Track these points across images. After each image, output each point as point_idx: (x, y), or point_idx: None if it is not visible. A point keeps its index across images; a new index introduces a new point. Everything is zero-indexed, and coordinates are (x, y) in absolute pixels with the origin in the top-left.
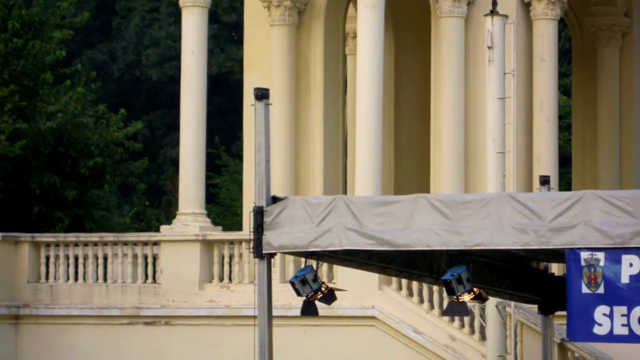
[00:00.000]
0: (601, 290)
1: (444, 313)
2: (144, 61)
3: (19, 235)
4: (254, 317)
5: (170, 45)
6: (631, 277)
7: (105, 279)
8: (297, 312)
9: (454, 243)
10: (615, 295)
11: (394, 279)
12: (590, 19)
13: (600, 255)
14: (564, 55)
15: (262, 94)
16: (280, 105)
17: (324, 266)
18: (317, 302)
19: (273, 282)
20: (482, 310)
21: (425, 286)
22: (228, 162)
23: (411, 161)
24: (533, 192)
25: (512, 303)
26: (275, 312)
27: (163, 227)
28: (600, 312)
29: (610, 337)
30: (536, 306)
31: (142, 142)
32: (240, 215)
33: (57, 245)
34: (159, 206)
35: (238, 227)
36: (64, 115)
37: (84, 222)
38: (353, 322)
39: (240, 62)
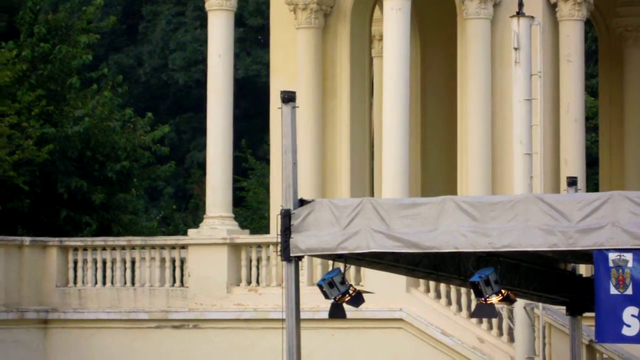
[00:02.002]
0: (629, 291)
1: (472, 315)
2: (170, 65)
3: (47, 240)
4: (282, 320)
5: (196, 48)
6: None
7: (133, 283)
8: (325, 315)
9: (482, 245)
10: None
11: (422, 281)
12: (617, 20)
13: (629, 256)
14: (591, 56)
15: (288, 97)
16: (306, 108)
17: (352, 269)
18: (344, 305)
19: (301, 284)
20: (510, 312)
21: (453, 288)
22: (255, 165)
23: (438, 163)
24: (560, 193)
25: (540, 305)
26: (303, 315)
27: (190, 231)
28: (628, 313)
29: (639, 338)
30: (564, 307)
31: (169, 145)
32: (268, 218)
33: (85, 249)
34: (186, 210)
35: (265, 230)
36: (91, 120)
37: (112, 226)
38: (381, 324)
39: (266, 65)
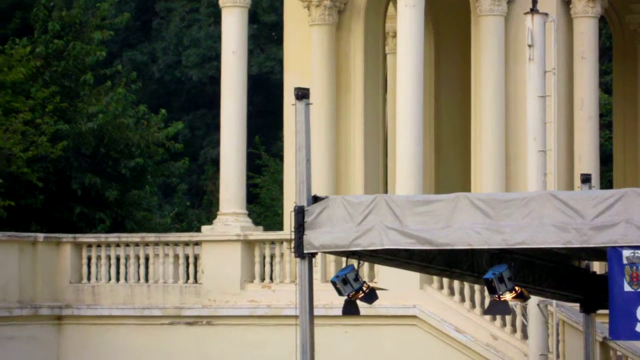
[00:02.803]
0: None
1: (485, 312)
2: (184, 62)
3: (61, 236)
4: (296, 316)
5: (210, 45)
6: None
7: (146, 280)
8: (339, 312)
9: (495, 242)
10: None
11: (435, 278)
12: (631, 17)
13: None
14: (605, 53)
15: (302, 94)
16: (320, 105)
17: (365, 265)
18: (358, 302)
19: (314, 281)
20: (524, 309)
21: (466, 285)
22: (268, 161)
23: (452, 160)
24: (574, 190)
25: (554, 302)
26: (316, 312)
27: (204, 228)
28: None
29: None
30: (578, 305)
31: (183, 142)
32: (281, 215)
33: (98, 245)
34: (200, 206)
35: (279, 227)
36: (104, 116)
37: (125, 222)
38: (394, 321)
39: (280, 62)
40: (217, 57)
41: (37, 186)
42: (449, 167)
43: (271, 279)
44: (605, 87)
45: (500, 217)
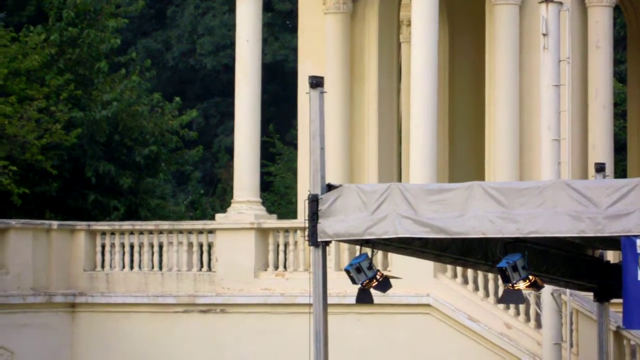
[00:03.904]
0: None
1: (499, 301)
2: (198, 50)
3: (75, 224)
4: (309, 304)
5: (224, 33)
6: None
7: (160, 267)
8: (352, 300)
9: (509, 231)
10: None
11: (449, 267)
12: None
13: None
14: (619, 42)
15: (316, 82)
16: (334, 93)
17: (379, 254)
18: (372, 290)
19: (328, 269)
20: (538, 298)
21: (480, 274)
22: (282, 150)
23: (466, 149)
24: (588, 179)
25: (568, 291)
26: (330, 300)
27: (218, 216)
28: None
29: None
30: (592, 294)
31: (197, 130)
32: (295, 203)
33: (112, 233)
34: (214, 194)
35: (293, 215)
36: (119, 104)
37: (139, 210)
38: (408, 309)
39: (294, 50)
40: (232, 45)
41: (51, 174)
42: (463, 156)
43: (285, 267)
44: (619, 76)
45: (514, 206)
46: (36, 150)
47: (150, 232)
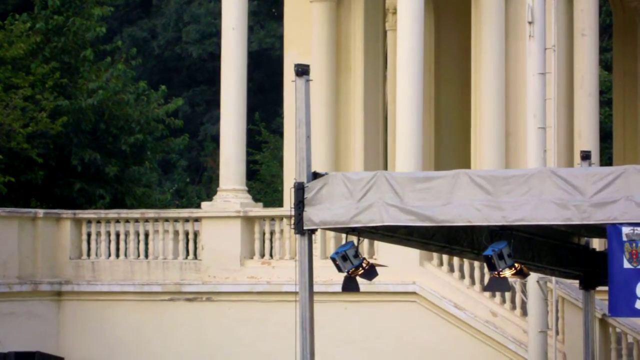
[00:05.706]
0: None
1: (485, 289)
2: (184, 38)
3: (60, 212)
4: (295, 293)
5: (210, 22)
6: None
7: (146, 256)
8: (338, 288)
9: (495, 218)
10: None
11: (435, 255)
12: None
13: None
14: (605, 30)
15: (302, 70)
16: (320, 82)
17: (365, 242)
18: (358, 278)
19: (314, 258)
20: (523, 285)
21: (466, 262)
22: (268, 138)
23: (452, 137)
24: (574, 167)
25: (553, 278)
26: (316, 288)
27: (204, 204)
28: None
29: None
30: (577, 281)
31: (183, 118)
32: (281, 191)
33: (98, 221)
34: (200, 183)
35: (279, 203)
36: (104, 92)
37: (125, 198)
38: (394, 297)
39: (280, 38)
40: (217, 33)
41: (37, 162)
42: (449, 144)
43: (271, 255)
44: (605, 65)
45: (500, 193)
46: (22, 138)
47: (136, 220)
